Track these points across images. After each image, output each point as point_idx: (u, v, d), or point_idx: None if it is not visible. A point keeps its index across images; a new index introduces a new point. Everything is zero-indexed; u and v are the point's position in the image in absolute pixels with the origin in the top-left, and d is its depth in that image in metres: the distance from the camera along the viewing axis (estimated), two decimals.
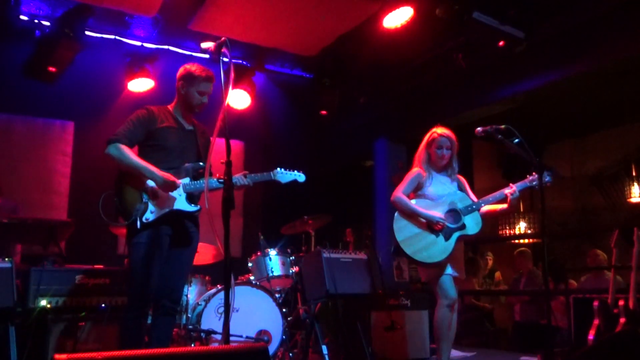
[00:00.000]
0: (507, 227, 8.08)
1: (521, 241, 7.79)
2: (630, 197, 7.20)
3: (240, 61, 6.76)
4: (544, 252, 3.44)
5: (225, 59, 2.73)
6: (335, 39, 6.03)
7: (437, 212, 3.74)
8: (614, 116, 7.36)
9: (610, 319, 3.90)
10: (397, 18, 5.18)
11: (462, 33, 5.32)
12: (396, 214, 3.82)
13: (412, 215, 3.76)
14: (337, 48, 6.30)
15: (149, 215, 3.14)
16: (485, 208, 3.82)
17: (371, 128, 7.35)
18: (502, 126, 3.41)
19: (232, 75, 2.69)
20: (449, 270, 3.76)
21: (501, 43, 5.02)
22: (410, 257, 3.70)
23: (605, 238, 4.41)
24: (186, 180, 3.25)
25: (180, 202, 3.23)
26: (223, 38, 2.74)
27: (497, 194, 3.75)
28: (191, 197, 3.28)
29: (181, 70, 3.37)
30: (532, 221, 7.97)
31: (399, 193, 3.82)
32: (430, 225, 3.72)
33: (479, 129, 3.48)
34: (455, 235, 3.72)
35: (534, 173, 3.77)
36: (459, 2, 4.82)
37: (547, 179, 3.67)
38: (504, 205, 3.79)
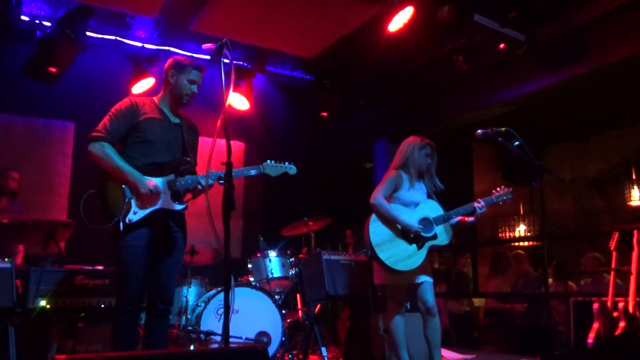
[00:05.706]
0: (507, 230, 8.06)
1: (521, 244, 7.77)
2: (630, 200, 7.19)
3: (241, 62, 6.77)
4: (544, 255, 3.44)
5: (226, 60, 2.70)
6: (335, 40, 6.03)
7: (412, 220, 3.72)
8: (614, 119, 7.35)
9: (610, 322, 3.89)
10: (398, 20, 5.18)
11: (463, 35, 5.32)
12: (373, 215, 3.79)
13: (388, 220, 3.74)
14: (337, 50, 6.30)
15: (132, 216, 2.98)
16: (456, 219, 3.83)
17: (371, 130, 7.35)
18: (503, 129, 3.42)
19: (233, 76, 2.68)
20: (424, 277, 3.73)
21: (502, 45, 5.01)
22: (382, 262, 3.64)
23: (605, 241, 4.40)
24: (171, 177, 3.09)
25: (165, 201, 3.06)
26: (224, 39, 2.72)
27: (467, 206, 3.78)
28: (176, 195, 3.11)
29: (170, 60, 3.26)
30: (532, 224, 7.94)
31: (380, 196, 3.78)
32: (405, 233, 3.70)
33: (479, 131, 3.49)
34: (428, 244, 3.72)
35: (498, 189, 3.91)
36: (460, 5, 4.83)
37: (509, 196, 3.84)
38: (472, 218, 3.82)
